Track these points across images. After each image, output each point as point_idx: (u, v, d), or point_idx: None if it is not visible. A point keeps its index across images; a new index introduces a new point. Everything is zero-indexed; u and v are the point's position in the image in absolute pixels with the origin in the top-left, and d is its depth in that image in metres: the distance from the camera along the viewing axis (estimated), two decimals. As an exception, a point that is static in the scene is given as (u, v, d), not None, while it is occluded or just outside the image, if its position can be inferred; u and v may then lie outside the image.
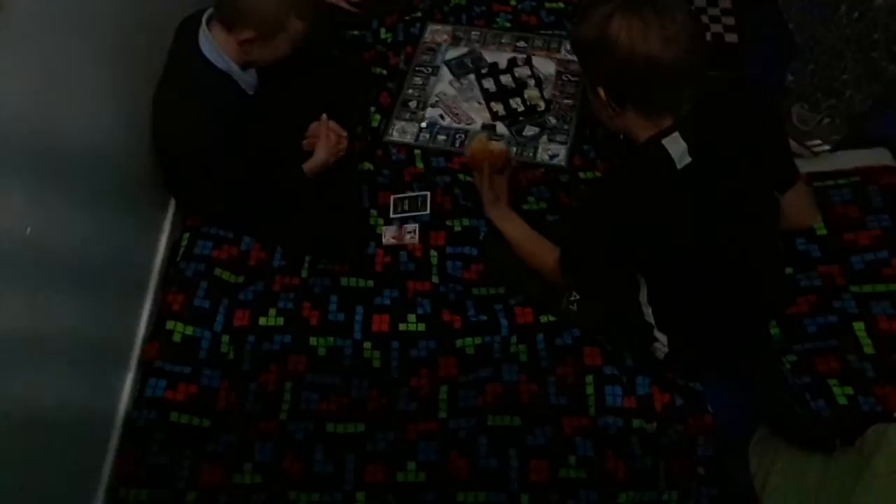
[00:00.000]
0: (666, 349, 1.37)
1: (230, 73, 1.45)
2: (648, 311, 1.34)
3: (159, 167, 1.59)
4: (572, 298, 1.48)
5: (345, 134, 1.70)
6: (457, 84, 1.98)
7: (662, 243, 1.17)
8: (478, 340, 1.54)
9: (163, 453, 1.38)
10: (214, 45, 1.43)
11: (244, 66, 1.48)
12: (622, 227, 1.17)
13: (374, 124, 1.88)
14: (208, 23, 1.44)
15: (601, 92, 1.16)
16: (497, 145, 1.61)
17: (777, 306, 1.45)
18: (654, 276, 1.29)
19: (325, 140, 1.63)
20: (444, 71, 2.01)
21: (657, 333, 1.35)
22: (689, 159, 1.10)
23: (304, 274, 1.64)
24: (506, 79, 1.96)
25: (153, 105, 1.51)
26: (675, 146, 1.10)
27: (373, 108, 1.90)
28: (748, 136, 1.18)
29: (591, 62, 1.18)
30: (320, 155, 1.63)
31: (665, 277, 1.28)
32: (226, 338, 1.54)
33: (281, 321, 1.56)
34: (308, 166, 1.62)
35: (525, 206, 1.68)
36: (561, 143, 1.84)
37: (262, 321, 1.56)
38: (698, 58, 1.07)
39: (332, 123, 1.66)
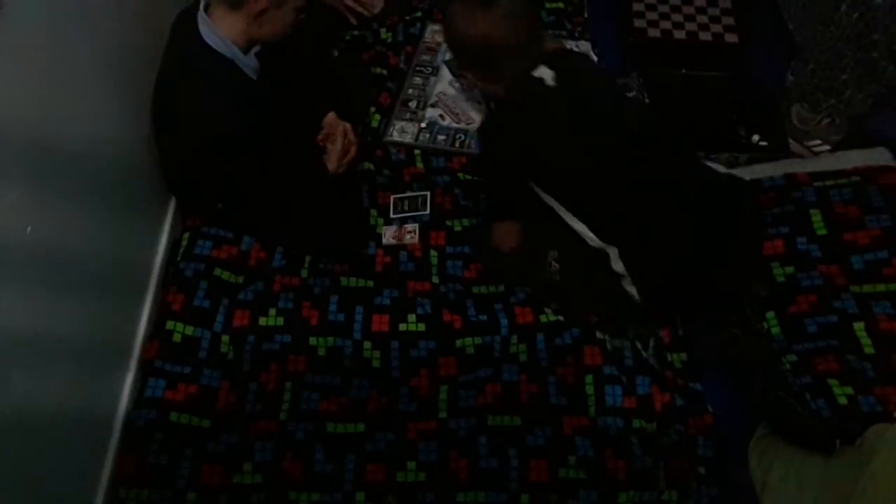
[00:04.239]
0: (637, 297, 1.37)
1: (234, 59, 1.44)
2: (619, 265, 1.36)
3: (160, 166, 1.59)
4: (553, 269, 1.49)
5: (357, 144, 1.71)
6: (457, 84, 1.98)
7: (554, 153, 1.32)
8: (478, 340, 1.54)
9: (163, 453, 1.38)
10: (216, 31, 1.40)
11: (247, 49, 1.46)
12: (517, 145, 1.34)
13: (374, 124, 1.88)
14: (206, 10, 1.41)
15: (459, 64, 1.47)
16: None
17: (735, 241, 1.42)
18: (573, 205, 1.37)
19: (339, 149, 1.65)
20: (444, 71, 2.00)
21: (625, 284, 1.36)
22: (554, 83, 1.31)
23: (304, 274, 1.64)
24: (506, 79, 1.96)
25: (155, 102, 1.51)
26: (543, 72, 1.31)
27: (373, 108, 1.90)
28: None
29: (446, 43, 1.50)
30: (332, 165, 1.64)
31: (590, 208, 1.36)
32: (226, 338, 1.54)
33: (281, 321, 1.56)
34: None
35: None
36: (561, 143, 1.84)
37: (262, 321, 1.55)
38: (526, 33, 1.32)
39: (351, 133, 1.69)
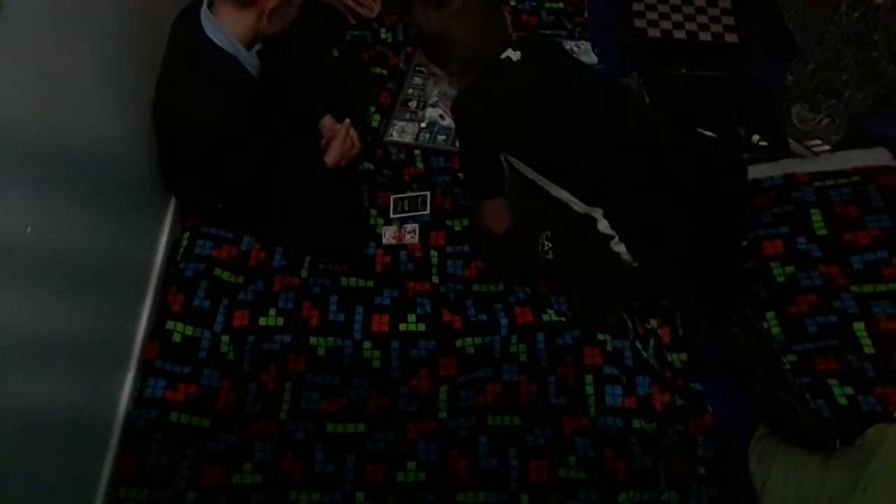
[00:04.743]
0: (626, 255, 1.37)
1: (237, 56, 1.43)
2: (604, 223, 1.36)
3: (160, 166, 1.59)
4: (545, 248, 1.48)
5: (359, 144, 1.71)
6: (456, 84, 1.97)
7: (528, 119, 1.34)
8: (478, 340, 1.54)
9: (163, 453, 1.38)
10: (220, 28, 1.39)
11: (249, 46, 1.46)
12: (489, 116, 1.36)
13: (374, 124, 1.88)
14: (209, 7, 1.41)
15: (426, 60, 1.47)
16: None
17: (718, 196, 1.44)
18: (552, 171, 1.38)
19: (341, 143, 1.64)
20: (444, 71, 2.00)
21: (613, 244, 1.36)
22: (520, 59, 1.34)
23: (304, 274, 1.64)
24: (506, 79, 1.96)
25: (156, 100, 1.50)
26: (510, 53, 1.34)
27: (373, 108, 1.90)
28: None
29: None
30: (332, 157, 1.64)
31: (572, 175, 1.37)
32: (226, 338, 1.54)
33: (281, 321, 1.55)
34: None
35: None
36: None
37: (262, 321, 1.55)
38: (486, 26, 1.35)
39: (353, 130, 1.68)
